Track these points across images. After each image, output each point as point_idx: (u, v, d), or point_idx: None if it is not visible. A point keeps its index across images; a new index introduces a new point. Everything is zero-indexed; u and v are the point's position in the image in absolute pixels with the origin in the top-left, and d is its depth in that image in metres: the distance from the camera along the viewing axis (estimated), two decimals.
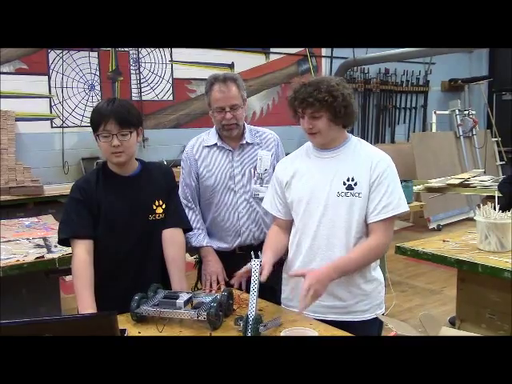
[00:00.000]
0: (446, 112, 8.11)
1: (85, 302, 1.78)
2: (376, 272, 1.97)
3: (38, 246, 2.60)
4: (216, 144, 2.32)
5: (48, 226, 3.10)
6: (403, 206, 1.87)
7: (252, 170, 2.32)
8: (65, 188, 4.97)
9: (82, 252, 1.87)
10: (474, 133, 7.89)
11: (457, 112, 7.92)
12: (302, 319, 1.78)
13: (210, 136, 2.35)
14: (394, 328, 1.46)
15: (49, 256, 2.41)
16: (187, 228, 2.12)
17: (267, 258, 1.82)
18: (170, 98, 6.19)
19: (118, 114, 1.88)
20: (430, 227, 6.80)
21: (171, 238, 2.01)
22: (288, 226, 2.01)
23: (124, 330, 1.66)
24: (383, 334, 1.97)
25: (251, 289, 1.67)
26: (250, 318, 1.62)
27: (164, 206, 2.01)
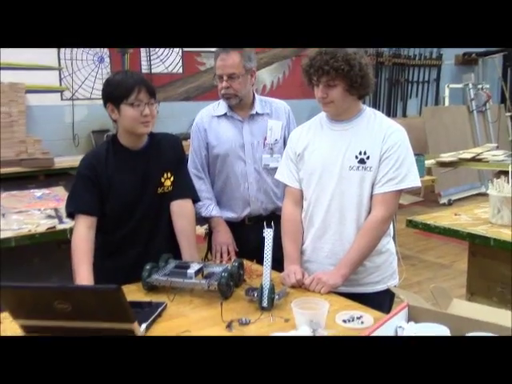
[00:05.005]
0: (459, 86, 7.97)
1: (81, 276, 1.79)
2: (387, 243, 1.95)
3: (50, 216, 2.61)
4: (225, 114, 2.30)
5: (59, 197, 3.11)
6: (410, 181, 1.83)
7: (262, 141, 2.30)
8: (75, 160, 4.92)
9: (83, 227, 1.88)
10: (488, 107, 7.76)
11: (470, 86, 7.78)
12: None
13: (219, 106, 2.34)
14: (405, 299, 1.46)
15: (60, 227, 2.43)
16: (196, 199, 2.11)
17: (296, 266, 1.88)
18: (180, 70, 6.13)
19: (147, 83, 1.89)
20: (441, 202, 6.76)
21: (180, 210, 2.01)
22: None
23: (161, 304, 1.67)
24: (394, 305, 1.97)
25: (264, 259, 1.67)
26: (265, 288, 1.63)
27: (172, 179, 2.00)
